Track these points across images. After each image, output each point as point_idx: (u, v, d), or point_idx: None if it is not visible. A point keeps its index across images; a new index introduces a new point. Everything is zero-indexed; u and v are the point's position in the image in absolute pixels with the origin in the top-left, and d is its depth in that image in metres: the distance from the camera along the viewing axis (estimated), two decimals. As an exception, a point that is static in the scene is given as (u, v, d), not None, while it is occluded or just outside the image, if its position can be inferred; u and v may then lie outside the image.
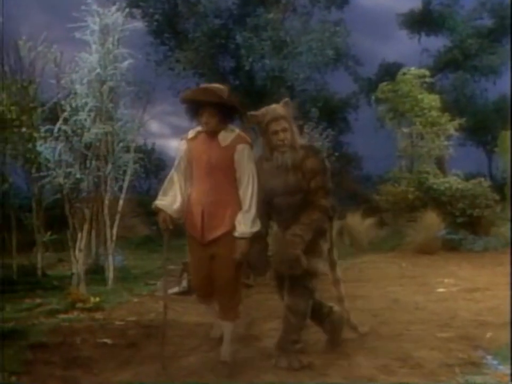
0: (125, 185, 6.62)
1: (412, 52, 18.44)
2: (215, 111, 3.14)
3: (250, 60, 12.71)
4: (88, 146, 6.14)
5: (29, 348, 3.71)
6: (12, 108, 5.15)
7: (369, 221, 9.76)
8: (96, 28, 6.35)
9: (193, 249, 3.31)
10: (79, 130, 6.02)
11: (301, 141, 3.32)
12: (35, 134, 5.95)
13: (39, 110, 6.48)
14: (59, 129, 5.93)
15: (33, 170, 6.43)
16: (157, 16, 13.38)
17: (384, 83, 12.33)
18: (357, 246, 9.60)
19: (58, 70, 6.51)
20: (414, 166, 11.63)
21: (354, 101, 17.81)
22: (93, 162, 6.18)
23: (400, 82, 11.98)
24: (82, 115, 5.99)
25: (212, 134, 3.21)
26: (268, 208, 3.30)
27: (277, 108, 3.25)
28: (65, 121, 5.97)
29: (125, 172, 6.61)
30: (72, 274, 5.97)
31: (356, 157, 18.05)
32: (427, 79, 12.02)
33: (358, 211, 9.85)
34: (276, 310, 3.95)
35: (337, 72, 15.91)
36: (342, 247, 9.56)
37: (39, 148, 5.90)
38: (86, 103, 6.04)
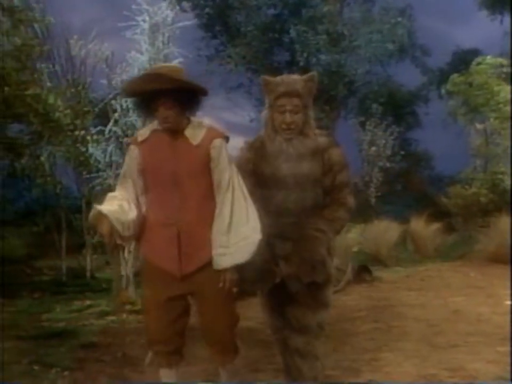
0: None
1: (492, 36, 17.82)
2: (173, 101, 2.51)
3: (305, 54, 12.90)
4: (138, 147, 6.56)
5: (80, 347, 4.20)
6: (67, 111, 5.63)
7: (436, 226, 9.68)
8: (146, 26, 6.76)
9: (159, 287, 2.59)
10: (129, 131, 6.46)
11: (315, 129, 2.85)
12: (88, 137, 6.46)
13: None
14: (110, 130, 6.41)
15: (84, 172, 6.96)
16: (207, 9, 13.79)
17: (456, 74, 12.16)
18: (421, 253, 9.57)
19: (109, 70, 7.02)
20: (489, 166, 11.45)
21: (425, 92, 17.42)
22: (143, 163, 6.59)
23: (474, 73, 11.75)
24: (132, 116, 6.42)
25: (176, 132, 2.60)
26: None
27: (296, 81, 2.76)
28: (116, 122, 6.44)
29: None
30: (121, 276, 6.42)
31: (425, 156, 17.76)
32: (504, 69, 11.77)
33: (423, 215, 9.81)
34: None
35: (403, 64, 15.73)
36: (405, 253, 9.64)
37: (90, 150, 6.40)
38: (137, 104, 6.45)
